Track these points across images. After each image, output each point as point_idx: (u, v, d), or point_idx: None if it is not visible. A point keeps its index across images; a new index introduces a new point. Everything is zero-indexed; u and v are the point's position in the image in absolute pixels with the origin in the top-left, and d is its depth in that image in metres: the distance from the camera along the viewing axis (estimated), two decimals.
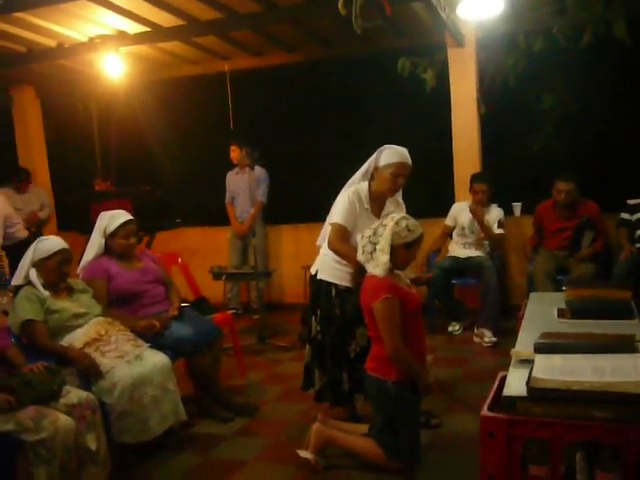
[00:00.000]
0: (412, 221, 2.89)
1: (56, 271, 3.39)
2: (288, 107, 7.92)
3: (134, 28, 5.78)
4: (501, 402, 1.98)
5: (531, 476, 1.94)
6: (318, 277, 3.53)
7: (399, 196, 3.60)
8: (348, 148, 6.51)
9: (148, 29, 5.79)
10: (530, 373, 1.98)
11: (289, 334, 5.61)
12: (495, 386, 2.19)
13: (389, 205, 3.52)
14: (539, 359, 2.07)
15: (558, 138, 6.88)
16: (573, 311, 2.83)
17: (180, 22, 5.68)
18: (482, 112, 6.07)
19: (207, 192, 7.44)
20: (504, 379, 2.12)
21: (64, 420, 2.71)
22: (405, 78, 6.19)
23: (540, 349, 2.15)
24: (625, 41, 5.23)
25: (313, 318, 3.57)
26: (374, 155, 3.46)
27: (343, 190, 3.52)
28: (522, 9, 5.61)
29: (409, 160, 3.41)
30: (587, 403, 1.85)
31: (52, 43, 6.10)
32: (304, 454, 3.06)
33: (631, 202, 5.45)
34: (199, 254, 6.81)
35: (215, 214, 7.05)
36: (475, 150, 6.09)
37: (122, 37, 5.91)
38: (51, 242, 3.46)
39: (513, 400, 1.93)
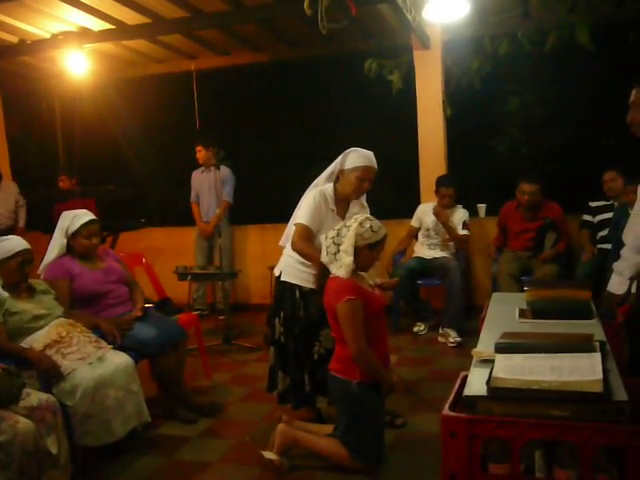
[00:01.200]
0: (376, 222, 2.90)
1: (17, 272, 3.33)
2: (255, 107, 7.90)
3: (98, 25, 5.71)
4: (462, 402, 2.00)
5: (491, 475, 1.97)
6: (282, 279, 3.52)
7: (363, 199, 3.60)
8: (314, 149, 6.53)
9: (112, 26, 5.73)
10: (490, 373, 2.01)
11: (255, 335, 5.59)
12: (456, 386, 2.21)
13: (353, 207, 3.52)
14: (499, 359, 2.09)
15: (523, 141, 6.98)
16: (534, 311, 2.87)
17: (145, 20, 5.62)
18: (448, 114, 6.13)
19: (173, 191, 7.39)
20: (465, 379, 2.14)
21: (23, 423, 2.66)
22: (372, 80, 6.23)
23: (501, 349, 2.17)
24: (587, 46, 5.33)
25: (277, 320, 3.56)
26: (340, 157, 3.44)
27: (307, 191, 3.51)
28: (487, 13, 5.68)
29: (375, 164, 3.42)
30: (545, 402, 1.88)
31: (14, 39, 6.01)
32: (269, 455, 3.05)
33: (593, 204, 5.56)
34: (164, 254, 6.75)
35: (181, 214, 7.00)
36: (441, 152, 6.14)
37: (86, 34, 5.84)
38: (12, 242, 3.38)
39: (474, 400, 1.95)
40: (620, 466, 1.85)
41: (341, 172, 3.43)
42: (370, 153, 3.43)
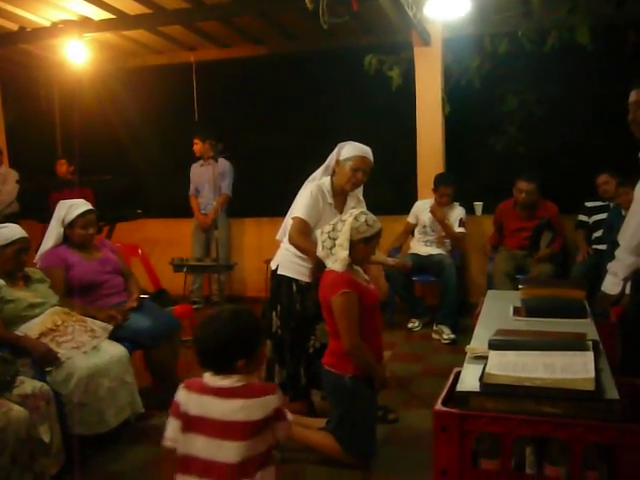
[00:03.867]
0: (371, 216, 2.91)
1: (13, 260, 3.31)
2: (253, 100, 7.87)
3: (99, 14, 5.70)
4: (455, 397, 2.01)
5: (482, 470, 1.98)
6: (279, 272, 3.53)
7: (360, 193, 3.63)
8: (312, 143, 6.49)
9: (113, 16, 5.71)
10: (484, 369, 2.02)
11: None
12: (449, 381, 2.22)
13: (350, 201, 3.55)
14: (493, 355, 2.11)
15: (521, 140, 6.98)
16: (528, 309, 2.88)
17: (146, 10, 5.62)
18: (446, 112, 6.13)
19: (170, 183, 7.38)
20: (458, 375, 2.16)
21: (17, 411, 2.66)
22: (372, 76, 6.22)
23: (494, 346, 2.19)
24: (587, 46, 5.33)
25: (274, 313, 3.57)
26: (335, 149, 3.50)
27: (305, 185, 3.53)
28: (488, 11, 5.68)
29: (370, 156, 3.45)
30: (538, 399, 1.89)
31: (14, 27, 5.99)
32: None
33: (589, 204, 5.58)
34: (160, 245, 6.75)
35: (178, 205, 7.00)
36: (439, 149, 6.14)
37: (86, 23, 5.83)
38: (10, 230, 3.36)
39: (466, 395, 1.96)
40: (610, 464, 1.86)
41: (337, 164, 3.48)
42: (366, 146, 3.48)
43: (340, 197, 3.51)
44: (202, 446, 1.85)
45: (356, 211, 2.93)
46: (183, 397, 1.89)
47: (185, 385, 1.90)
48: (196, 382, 1.90)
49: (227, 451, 1.82)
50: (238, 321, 1.93)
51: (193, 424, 1.86)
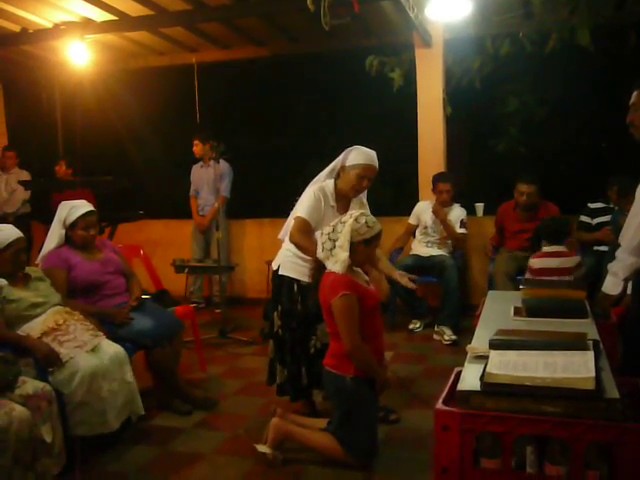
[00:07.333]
0: (371, 218, 2.91)
1: (13, 262, 3.29)
2: (255, 101, 7.90)
3: (100, 16, 5.71)
4: (456, 396, 2.01)
5: (483, 469, 1.98)
6: (280, 273, 3.54)
7: (364, 197, 3.64)
8: (313, 144, 6.53)
9: (115, 17, 5.72)
10: (484, 368, 2.02)
11: (251, 329, 5.60)
12: (450, 381, 2.22)
13: (354, 205, 3.54)
14: (494, 355, 2.11)
15: (522, 141, 6.99)
16: (529, 309, 2.89)
17: (148, 12, 5.62)
18: (448, 113, 6.14)
19: (172, 184, 7.39)
20: (459, 374, 2.16)
21: (19, 411, 2.67)
22: (373, 77, 6.24)
23: (495, 345, 2.19)
24: (588, 48, 5.34)
25: (275, 313, 3.57)
26: (342, 154, 3.47)
27: (309, 187, 3.53)
28: (489, 12, 5.69)
29: (376, 163, 3.43)
30: (538, 398, 1.89)
31: (16, 28, 6.00)
32: (262, 448, 3.06)
33: (592, 206, 5.55)
34: (162, 246, 6.77)
35: (180, 206, 7.02)
36: (440, 150, 6.14)
37: (88, 24, 5.83)
38: (5, 232, 3.31)
39: (467, 394, 1.97)
40: (610, 463, 1.87)
41: (342, 169, 3.45)
42: (372, 152, 3.45)
43: (344, 201, 3.51)
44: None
45: (356, 212, 2.92)
46: (530, 262, 3.77)
47: (534, 256, 3.80)
48: (537, 254, 3.78)
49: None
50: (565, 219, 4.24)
51: (536, 272, 3.66)
